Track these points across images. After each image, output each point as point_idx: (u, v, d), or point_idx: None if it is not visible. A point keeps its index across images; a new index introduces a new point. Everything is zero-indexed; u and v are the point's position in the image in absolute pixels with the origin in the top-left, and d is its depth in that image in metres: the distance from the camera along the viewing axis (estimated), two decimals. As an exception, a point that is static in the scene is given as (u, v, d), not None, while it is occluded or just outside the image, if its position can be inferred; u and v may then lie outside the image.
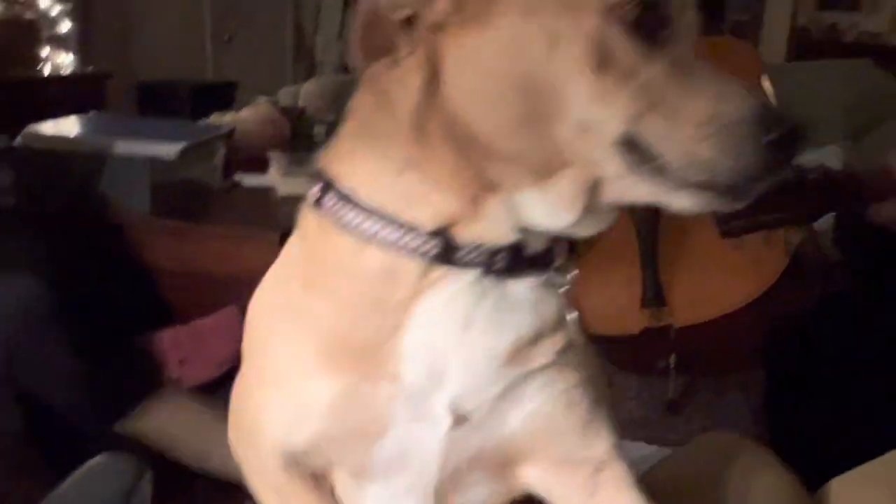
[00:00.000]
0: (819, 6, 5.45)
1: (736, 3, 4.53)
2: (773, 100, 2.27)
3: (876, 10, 5.51)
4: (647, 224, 1.89)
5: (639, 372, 2.03)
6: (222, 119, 1.90)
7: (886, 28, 5.53)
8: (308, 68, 4.38)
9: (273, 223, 1.44)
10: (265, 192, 1.66)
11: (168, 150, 1.47)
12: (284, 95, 2.62)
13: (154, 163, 1.45)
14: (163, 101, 3.34)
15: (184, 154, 1.50)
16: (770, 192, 0.92)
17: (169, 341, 1.34)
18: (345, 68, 4.09)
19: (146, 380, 1.19)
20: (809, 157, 2.79)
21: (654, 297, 1.81)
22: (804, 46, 5.11)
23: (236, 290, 1.41)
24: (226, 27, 3.86)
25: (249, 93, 3.48)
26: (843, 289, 1.82)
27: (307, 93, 2.63)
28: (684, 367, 1.86)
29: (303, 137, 2.00)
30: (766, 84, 2.25)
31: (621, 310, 1.92)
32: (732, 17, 4.66)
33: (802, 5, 5.39)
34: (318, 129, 2.02)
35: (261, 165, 1.78)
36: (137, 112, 3.36)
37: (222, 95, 3.30)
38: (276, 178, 1.67)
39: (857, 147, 2.79)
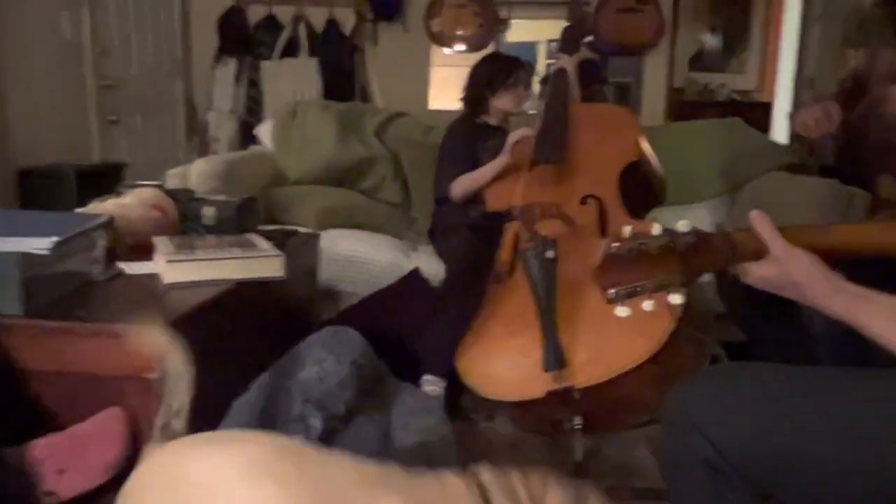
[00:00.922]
0: (692, 68, 5.82)
1: (619, 67, 4.79)
2: (653, 159, 2.38)
3: (743, 70, 5.94)
4: (545, 288, 1.92)
5: (546, 434, 2.03)
6: (103, 205, 1.83)
7: (754, 86, 5.96)
8: (201, 145, 4.32)
9: (158, 314, 1.37)
10: (150, 281, 1.59)
11: (41, 244, 1.39)
12: (172, 177, 2.56)
13: (26, 259, 1.37)
14: (46, 188, 3.21)
15: (59, 247, 1.43)
16: (646, 257, 0.95)
17: (44, 450, 1.24)
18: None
19: (15, 499, 1.09)
20: (690, 217, 2.94)
21: (555, 360, 1.83)
22: (681, 106, 5.43)
23: (119, 390, 1.35)
24: (112, 107, 3.77)
25: (140, 173, 3.40)
26: (731, 338, 1.90)
27: (197, 173, 2.58)
28: (590, 428, 1.87)
29: (191, 221, 1.94)
30: (646, 145, 2.36)
31: (524, 375, 1.93)
32: (616, 80, 4.92)
33: (677, 67, 5.75)
34: (208, 212, 1.97)
35: (145, 252, 1.71)
36: (20, 200, 3.22)
37: (110, 177, 3.20)
38: (161, 265, 1.61)
39: (733, 203, 2.96)
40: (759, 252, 0.97)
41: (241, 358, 1.67)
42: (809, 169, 2.90)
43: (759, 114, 5.44)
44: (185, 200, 1.99)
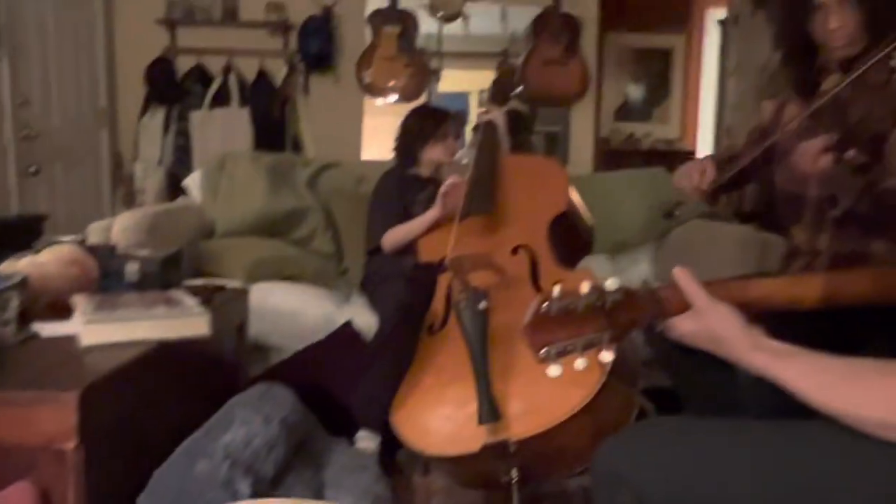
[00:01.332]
0: (617, 117, 6.03)
1: (548, 116, 4.90)
2: (582, 209, 2.43)
3: (665, 120, 6.18)
4: (478, 340, 1.92)
5: (483, 488, 2.01)
6: (18, 263, 1.75)
7: (677, 135, 6.20)
8: (127, 197, 4.20)
9: (74, 380, 1.31)
10: (67, 343, 1.52)
11: (-54, 308, 1.32)
12: (94, 231, 2.48)
13: (-71, 323, 1.29)
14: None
15: (-33, 310, 1.35)
16: (575, 315, 0.96)
17: (-55, 531, 1.16)
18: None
19: None
20: (619, 265, 3.01)
21: (490, 412, 1.82)
22: (608, 154, 5.60)
23: (30, 462, 1.27)
24: (32, 158, 3.64)
25: (63, 225, 3.28)
26: (659, 384, 1.93)
27: (120, 227, 2.50)
28: (527, 479, 1.86)
29: (113, 278, 1.88)
30: (575, 195, 2.41)
31: (459, 428, 1.91)
32: (546, 129, 5.04)
33: (603, 117, 5.94)
34: (131, 268, 1.90)
35: (63, 312, 1.64)
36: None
37: (28, 231, 3.07)
38: (79, 325, 1.54)
39: (659, 250, 3.04)
40: (683, 307, 0.99)
41: (164, 422, 1.60)
42: (729, 216, 3.01)
43: (682, 162, 5.63)
44: (106, 256, 1.92)
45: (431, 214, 2.39)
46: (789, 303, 1.00)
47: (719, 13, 5.80)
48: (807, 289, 0.99)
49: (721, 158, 1.88)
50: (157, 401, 1.61)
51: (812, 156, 1.36)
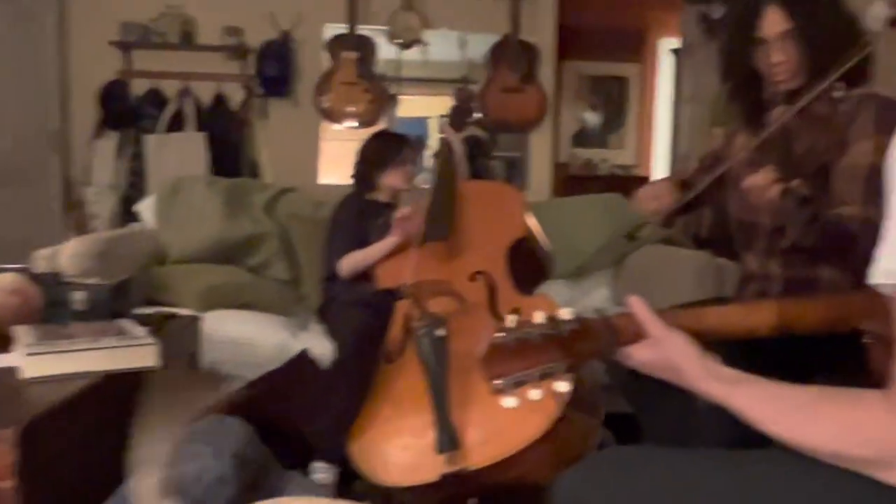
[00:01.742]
0: (575, 143, 6.11)
1: (508, 142, 4.94)
2: (540, 234, 2.44)
3: (622, 146, 6.28)
4: (436, 367, 1.90)
5: (443, 519, 1.98)
6: (-43, 293, 1.68)
7: (633, 161, 6.30)
8: (78, 222, 4.10)
9: (13, 415, 1.25)
10: (6, 376, 1.46)
11: None
12: (40, 259, 2.40)
13: None
14: None
15: None
16: (531, 345, 0.95)
17: None
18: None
19: None
20: (577, 290, 3.03)
21: (448, 441, 1.80)
22: (566, 180, 5.66)
23: (-38, 504, 1.21)
24: (-22, 182, 3.54)
25: (11, 250, 3.17)
26: (619, 410, 1.93)
27: (68, 254, 2.43)
28: (486, 509, 1.83)
29: (58, 307, 1.81)
30: (532, 221, 2.42)
31: (418, 458, 1.88)
32: (505, 155, 5.07)
33: (561, 143, 6.01)
34: (77, 296, 1.84)
35: (3, 344, 1.58)
36: None
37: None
38: (20, 357, 1.48)
39: (617, 275, 3.07)
40: (639, 336, 0.99)
41: (110, 457, 1.54)
42: (686, 242, 3.06)
43: (639, 187, 5.72)
44: (51, 284, 1.86)
45: (390, 240, 2.37)
46: (744, 331, 1.00)
47: (672, 43, 5.93)
48: (761, 317, 1.00)
49: (678, 182, 1.90)
50: (102, 435, 1.55)
51: (759, 188, 1.38)
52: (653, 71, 6.41)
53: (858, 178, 1.50)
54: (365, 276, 2.48)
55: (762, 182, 1.38)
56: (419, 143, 4.88)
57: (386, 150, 2.70)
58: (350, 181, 2.81)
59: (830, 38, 1.54)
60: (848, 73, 1.53)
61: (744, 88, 1.72)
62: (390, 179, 2.68)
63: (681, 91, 5.39)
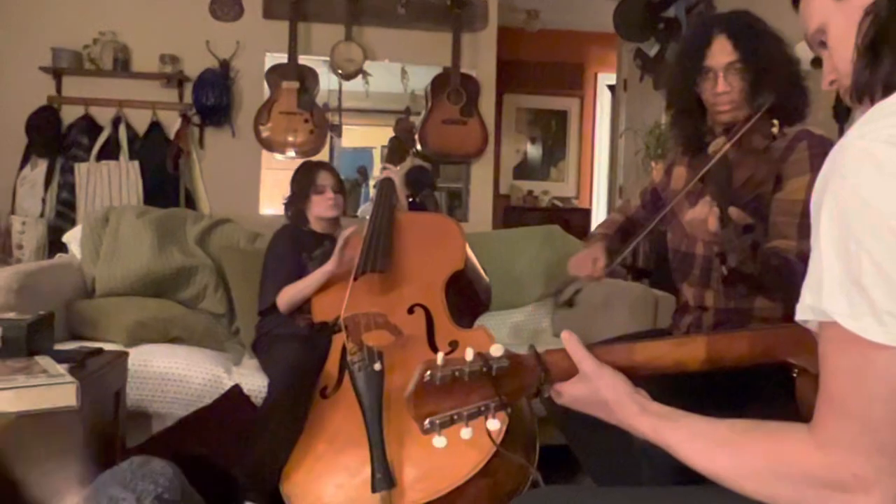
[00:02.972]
0: (516, 175, 6.17)
1: (450, 173, 4.96)
2: (478, 266, 2.43)
3: (562, 178, 6.37)
4: (372, 402, 1.86)
5: (379, 559, 1.92)
6: None
7: (573, 193, 6.39)
8: (3, 252, 3.93)
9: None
10: None
11: None
12: (-44, 292, 2.28)
13: None
14: None
15: None
16: (460, 384, 0.93)
17: None
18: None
19: None
20: (515, 320, 3.03)
21: (384, 479, 1.75)
22: (508, 211, 5.70)
23: None
24: None
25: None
26: (554, 442, 1.91)
27: (-13, 287, 2.31)
28: (423, 548, 1.79)
29: (-29, 343, 1.72)
30: (470, 253, 2.41)
31: (352, 497, 1.83)
32: (447, 185, 5.08)
33: (503, 175, 6.06)
34: (-4, 332, 1.74)
35: None
36: None
37: None
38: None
39: (557, 307, 3.08)
40: (570, 372, 0.98)
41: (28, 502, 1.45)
42: (621, 273, 3.09)
43: (579, 218, 5.83)
44: (-36, 320, 1.76)
45: (325, 271, 2.33)
46: (675, 365, 1.00)
47: (610, 78, 6.08)
48: (691, 351, 0.99)
49: (612, 241, 1.94)
50: (15, 480, 1.46)
51: (699, 221, 1.40)
52: (591, 105, 6.55)
53: (794, 213, 1.54)
54: (301, 308, 2.42)
55: (701, 214, 1.40)
56: (362, 173, 4.87)
57: (304, 180, 2.67)
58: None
59: (773, 73, 1.59)
60: (784, 111, 1.57)
61: (686, 116, 1.75)
62: (315, 209, 2.64)
63: (617, 125, 5.52)
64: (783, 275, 1.43)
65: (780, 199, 1.58)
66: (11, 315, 1.88)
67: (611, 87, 6.08)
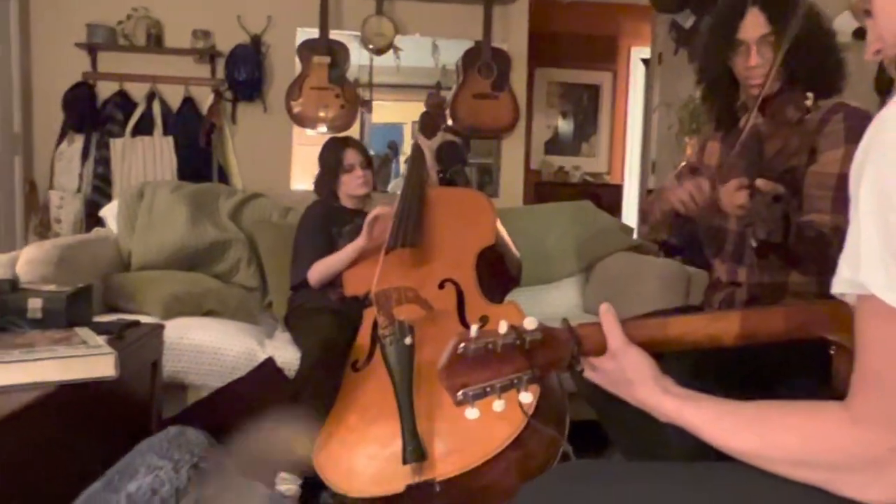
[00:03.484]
0: (547, 151, 6.12)
1: (481, 148, 4.94)
2: (509, 242, 2.43)
3: (594, 153, 6.31)
4: (403, 376, 1.87)
5: (409, 530, 1.95)
6: None
7: (605, 169, 6.32)
8: (42, 226, 4.01)
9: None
10: (-45, 387, 1.41)
11: None
12: (-3, 264, 2.34)
13: None
14: None
15: None
16: (493, 356, 0.93)
17: None
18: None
19: None
20: (546, 296, 3.02)
21: (414, 451, 1.77)
22: (539, 187, 5.67)
23: None
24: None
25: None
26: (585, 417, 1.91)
27: (26, 260, 2.36)
28: (451, 520, 1.81)
29: (13, 314, 1.76)
30: (501, 228, 2.40)
31: (383, 469, 1.85)
32: (478, 161, 5.06)
33: (534, 150, 6.02)
34: (33, 304, 1.79)
35: (-47, 353, 1.52)
36: None
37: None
38: (-29, 367, 1.43)
39: (586, 281, 3.06)
40: (603, 346, 0.97)
41: (65, 471, 1.49)
42: (653, 250, 3.06)
43: (611, 195, 5.77)
44: (6, 291, 1.80)
45: (356, 246, 2.34)
46: (709, 340, 0.99)
47: (644, 52, 5.98)
48: (725, 326, 0.98)
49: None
50: (56, 448, 1.50)
51: (729, 194, 1.39)
52: (625, 79, 6.45)
53: (828, 186, 1.51)
54: (333, 283, 2.44)
55: (731, 187, 1.38)
56: (393, 148, 4.87)
57: (331, 158, 2.67)
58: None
59: (806, 46, 1.55)
60: (818, 83, 1.54)
61: (719, 90, 1.73)
62: (345, 187, 2.65)
63: (651, 99, 5.43)
64: (817, 247, 1.41)
65: (814, 171, 1.55)
66: (51, 287, 1.92)
67: (644, 61, 5.98)
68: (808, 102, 1.52)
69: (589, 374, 0.99)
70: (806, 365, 1.14)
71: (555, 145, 6.28)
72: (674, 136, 4.60)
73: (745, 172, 1.37)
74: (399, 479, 1.78)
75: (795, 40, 1.55)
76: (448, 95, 4.08)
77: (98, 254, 2.78)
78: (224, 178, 4.08)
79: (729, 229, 1.74)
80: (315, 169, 2.81)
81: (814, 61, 1.57)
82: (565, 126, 6.34)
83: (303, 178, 4.13)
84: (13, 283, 1.86)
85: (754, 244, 1.35)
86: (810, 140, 1.55)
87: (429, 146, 2.63)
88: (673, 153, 4.68)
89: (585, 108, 6.34)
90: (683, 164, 2.03)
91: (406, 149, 5.38)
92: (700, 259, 2.38)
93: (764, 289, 1.67)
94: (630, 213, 5.68)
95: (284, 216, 3.13)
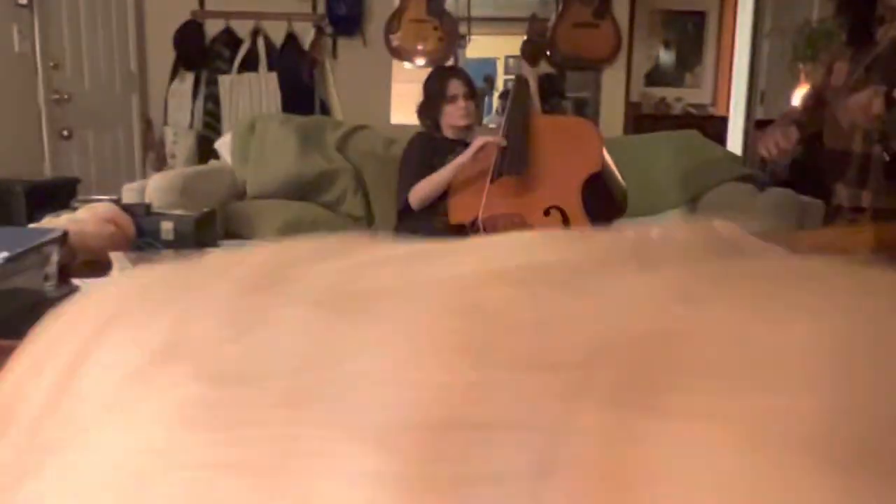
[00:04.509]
0: (648, 82, 5.92)
1: (577, 82, 4.85)
2: (615, 170, 2.40)
3: (697, 84, 6.06)
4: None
5: None
6: (57, 220, 1.76)
7: (709, 100, 6.08)
8: (157, 161, 4.23)
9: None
10: (106, 298, 1.54)
11: (-10, 260, 1.33)
12: (129, 191, 2.50)
13: (-26, 275, 1.31)
14: (-6, 203, 3.11)
15: (9, 263, 1.37)
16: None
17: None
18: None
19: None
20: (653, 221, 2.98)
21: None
22: (639, 119, 5.52)
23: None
24: (64, 121, 3.68)
25: (94, 189, 3.31)
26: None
27: (154, 188, 2.52)
28: None
29: (148, 236, 1.89)
30: (608, 156, 2.38)
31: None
32: (574, 95, 4.98)
33: (634, 81, 5.83)
34: (166, 226, 1.91)
35: (101, 269, 1.65)
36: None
37: (61, 194, 3.11)
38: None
39: (692, 213, 3.00)
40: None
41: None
42: (763, 180, 2.96)
43: (714, 127, 5.55)
44: (141, 215, 1.93)
45: (459, 161, 2.36)
46: (842, 255, 0.98)
47: (755, -26, 5.64)
48: (860, 240, 0.96)
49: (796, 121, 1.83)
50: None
51: (863, 106, 1.33)
52: (733, 5, 6.12)
53: None
54: (438, 210, 2.49)
55: (864, 97, 1.33)
56: (488, 81, 4.83)
57: (435, 87, 2.67)
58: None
59: None
60: None
61: (853, 2, 1.65)
62: (447, 118, 2.66)
63: (760, 25, 5.16)
64: None
65: None
66: (180, 211, 2.04)
67: (754, -15, 5.65)
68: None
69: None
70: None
71: (655, 76, 6.06)
72: (787, 64, 4.38)
73: (883, 82, 1.31)
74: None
75: None
76: (548, 25, 4.00)
77: (216, 183, 2.92)
78: (326, 112, 4.18)
79: (853, 152, 1.67)
80: (410, 106, 2.84)
81: None
82: (666, 56, 6.10)
83: (403, 113, 4.18)
84: (147, 207, 1.99)
85: (887, 158, 1.30)
86: None
87: (532, 74, 2.61)
88: (785, 82, 4.46)
89: (689, 36, 6.07)
90: (808, 92, 1.94)
91: (499, 84, 5.31)
92: (814, 188, 2.30)
93: (890, 214, 1.61)
94: (735, 146, 5.47)
95: (388, 147, 3.18)
